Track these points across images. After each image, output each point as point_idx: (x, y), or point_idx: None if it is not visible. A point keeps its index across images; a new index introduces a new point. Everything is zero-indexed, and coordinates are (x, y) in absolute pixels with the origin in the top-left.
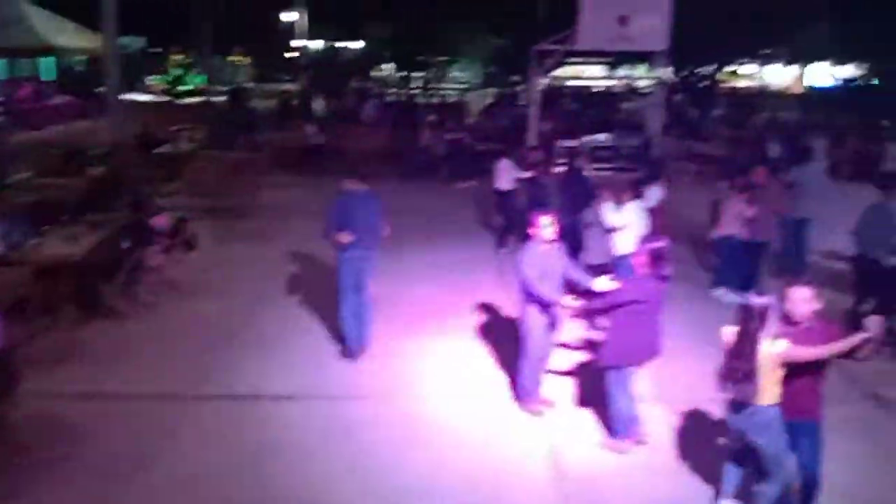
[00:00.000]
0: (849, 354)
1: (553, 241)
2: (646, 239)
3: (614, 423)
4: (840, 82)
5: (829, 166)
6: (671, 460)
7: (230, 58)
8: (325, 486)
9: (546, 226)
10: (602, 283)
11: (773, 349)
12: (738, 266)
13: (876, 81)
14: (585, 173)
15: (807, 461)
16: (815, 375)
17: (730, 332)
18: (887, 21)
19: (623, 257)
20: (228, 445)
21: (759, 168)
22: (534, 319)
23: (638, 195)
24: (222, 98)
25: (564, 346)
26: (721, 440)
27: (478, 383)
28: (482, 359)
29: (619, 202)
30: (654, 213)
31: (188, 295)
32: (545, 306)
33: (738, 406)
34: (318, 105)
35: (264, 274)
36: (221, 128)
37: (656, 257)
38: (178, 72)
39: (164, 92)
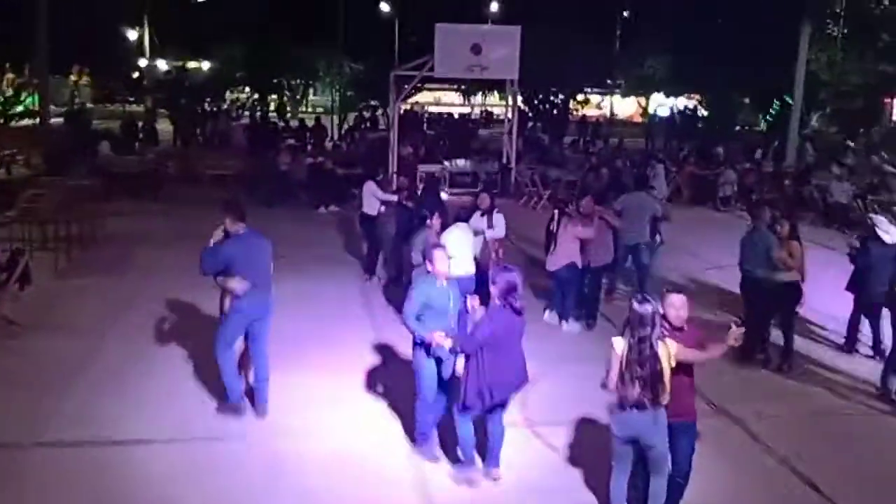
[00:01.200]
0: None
1: (447, 276)
2: (499, 270)
3: (461, 453)
4: (677, 112)
5: (670, 191)
6: (538, 481)
7: (71, 77)
8: None
9: (440, 260)
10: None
11: (669, 351)
12: (573, 291)
13: (706, 112)
14: (442, 195)
15: (683, 460)
16: (692, 377)
17: (621, 342)
18: (712, 56)
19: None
20: (76, 496)
21: (587, 197)
22: (421, 357)
23: (464, 218)
24: (61, 120)
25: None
26: (620, 447)
27: (343, 416)
28: (349, 391)
29: (444, 226)
30: (496, 240)
31: (26, 333)
32: (421, 343)
33: (636, 410)
34: (163, 127)
35: (111, 309)
36: (60, 152)
37: (508, 289)
38: (11, 91)
39: None
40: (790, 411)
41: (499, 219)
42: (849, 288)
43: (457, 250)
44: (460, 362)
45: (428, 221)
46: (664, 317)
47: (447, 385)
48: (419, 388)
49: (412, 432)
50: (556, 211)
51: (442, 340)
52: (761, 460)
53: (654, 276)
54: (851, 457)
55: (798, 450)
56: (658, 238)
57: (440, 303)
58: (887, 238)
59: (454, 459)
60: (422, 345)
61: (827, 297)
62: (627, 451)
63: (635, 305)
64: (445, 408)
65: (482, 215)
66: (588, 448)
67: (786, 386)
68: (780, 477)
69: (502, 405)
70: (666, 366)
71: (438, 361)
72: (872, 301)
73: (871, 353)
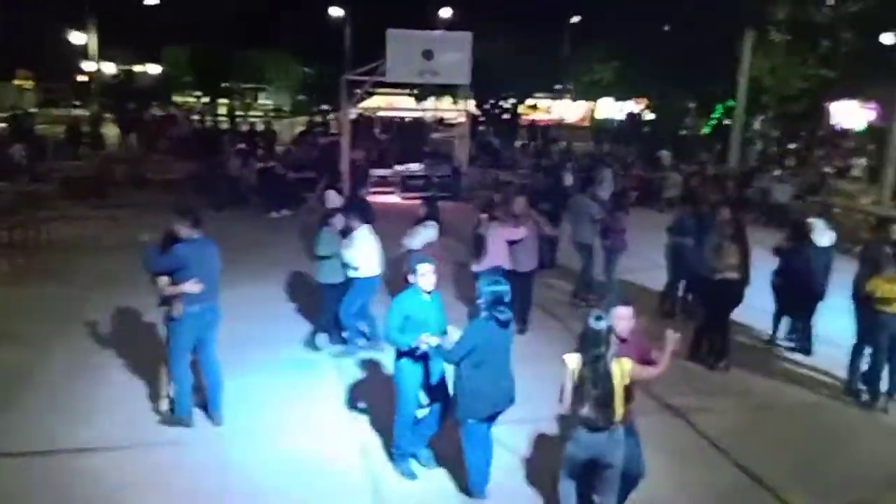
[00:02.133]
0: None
1: (430, 290)
2: (487, 281)
3: (471, 479)
4: (624, 117)
5: (617, 193)
6: (494, 480)
7: (15, 81)
8: None
9: (424, 273)
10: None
11: (623, 369)
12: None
13: (653, 116)
14: (368, 198)
15: (632, 458)
16: (634, 387)
17: (575, 359)
18: (657, 61)
19: (357, 280)
20: None
21: (519, 198)
22: (404, 371)
23: (369, 220)
24: (2, 125)
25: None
26: (572, 464)
27: (295, 418)
28: (301, 392)
29: (349, 228)
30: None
31: None
32: (409, 354)
33: (589, 430)
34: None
35: (54, 317)
36: (2, 157)
37: (494, 301)
38: None
39: None
40: (734, 406)
41: (418, 232)
42: (778, 286)
43: (361, 251)
44: (449, 368)
45: (329, 220)
46: (612, 329)
47: (441, 401)
48: (400, 403)
49: (365, 433)
50: (483, 215)
51: (429, 339)
52: (706, 454)
53: (610, 284)
54: (795, 450)
55: (743, 443)
56: (607, 242)
57: (422, 316)
58: (822, 241)
59: (462, 487)
60: (407, 356)
61: (766, 295)
62: (578, 466)
63: (591, 323)
64: (438, 424)
65: (416, 224)
66: (544, 449)
67: (729, 381)
68: (724, 470)
69: (489, 421)
70: (618, 385)
71: (426, 363)
72: (805, 299)
73: (791, 345)
